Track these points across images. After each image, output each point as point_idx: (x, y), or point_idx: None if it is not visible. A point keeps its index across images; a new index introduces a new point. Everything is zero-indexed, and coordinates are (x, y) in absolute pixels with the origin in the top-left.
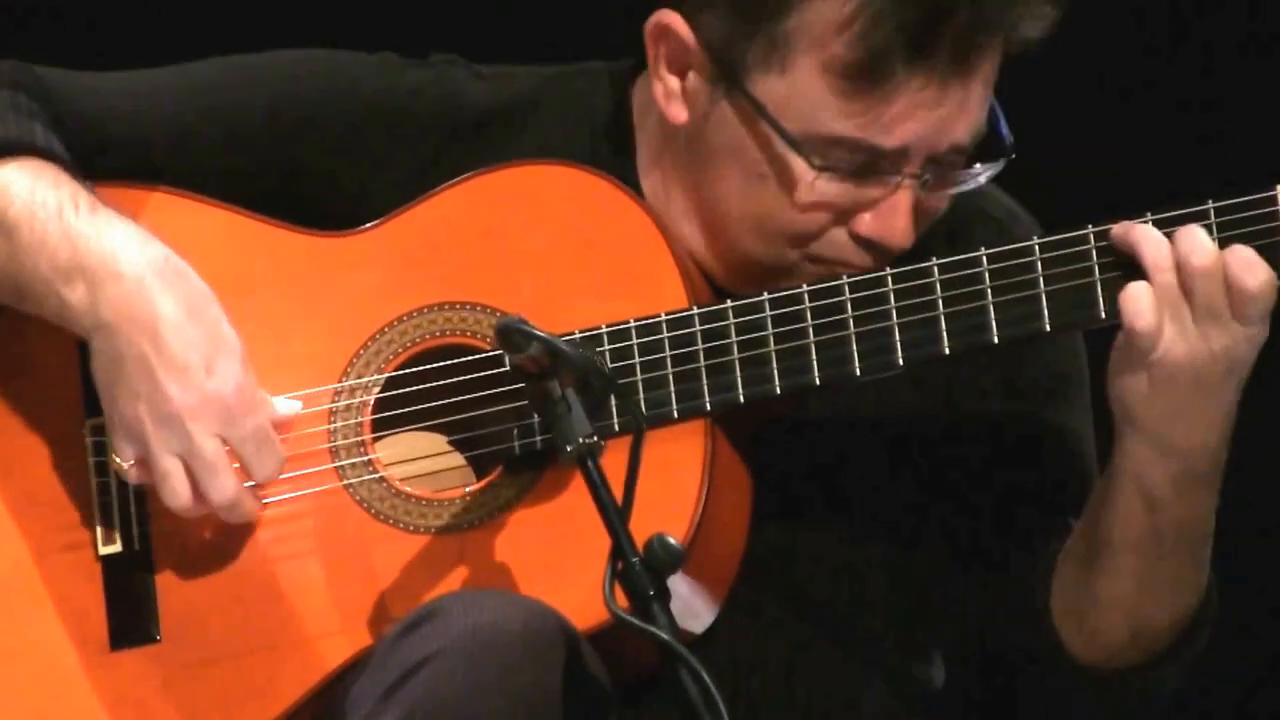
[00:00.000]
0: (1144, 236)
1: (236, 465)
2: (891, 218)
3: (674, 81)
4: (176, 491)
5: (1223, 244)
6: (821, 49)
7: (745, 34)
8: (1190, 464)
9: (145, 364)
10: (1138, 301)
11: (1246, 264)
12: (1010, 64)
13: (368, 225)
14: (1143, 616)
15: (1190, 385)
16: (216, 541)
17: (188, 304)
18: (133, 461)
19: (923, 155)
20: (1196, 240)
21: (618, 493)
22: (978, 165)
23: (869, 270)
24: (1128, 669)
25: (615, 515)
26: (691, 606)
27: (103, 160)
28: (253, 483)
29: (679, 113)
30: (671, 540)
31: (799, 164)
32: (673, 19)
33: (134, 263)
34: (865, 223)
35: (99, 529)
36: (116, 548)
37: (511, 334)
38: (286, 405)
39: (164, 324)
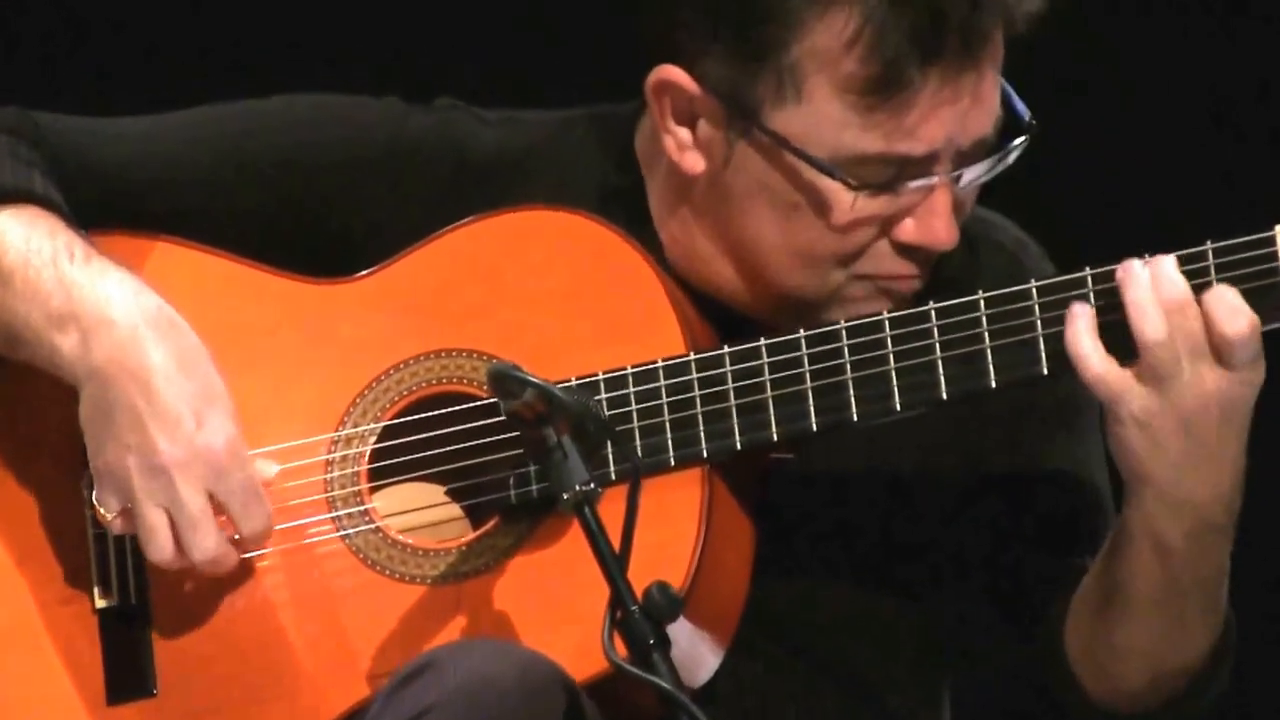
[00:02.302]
0: (1129, 281)
1: (222, 518)
2: (932, 220)
3: (685, 134)
4: (160, 545)
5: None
6: (834, 70)
7: (751, 72)
8: (1202, 515)
9: (135, 414)
10: (1077, 348)
11: (1229, 309)
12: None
13: (365, 272)
14: (1162, 662)
15: (1182, 434)
16: (213, 593)
17: (180, 355)
18: (117, 513)
19: (951, 153)
20: (1165, 277)
21: (615, 540)
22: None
23: (913, 276)
24: (1150, 713)
25: (613, 563)
26: (693, 655)
27: (103, 208)
28: (238, 537)
29: (695, 163)
30: (671, 588)
31: (833, 187)
32: (672, 73)
33: (128, 312)
34: (908, 230)
35: (96, 582)
36: (113, 601)
37: (504, 380)
38: (265, 467)
39: (155, 374)
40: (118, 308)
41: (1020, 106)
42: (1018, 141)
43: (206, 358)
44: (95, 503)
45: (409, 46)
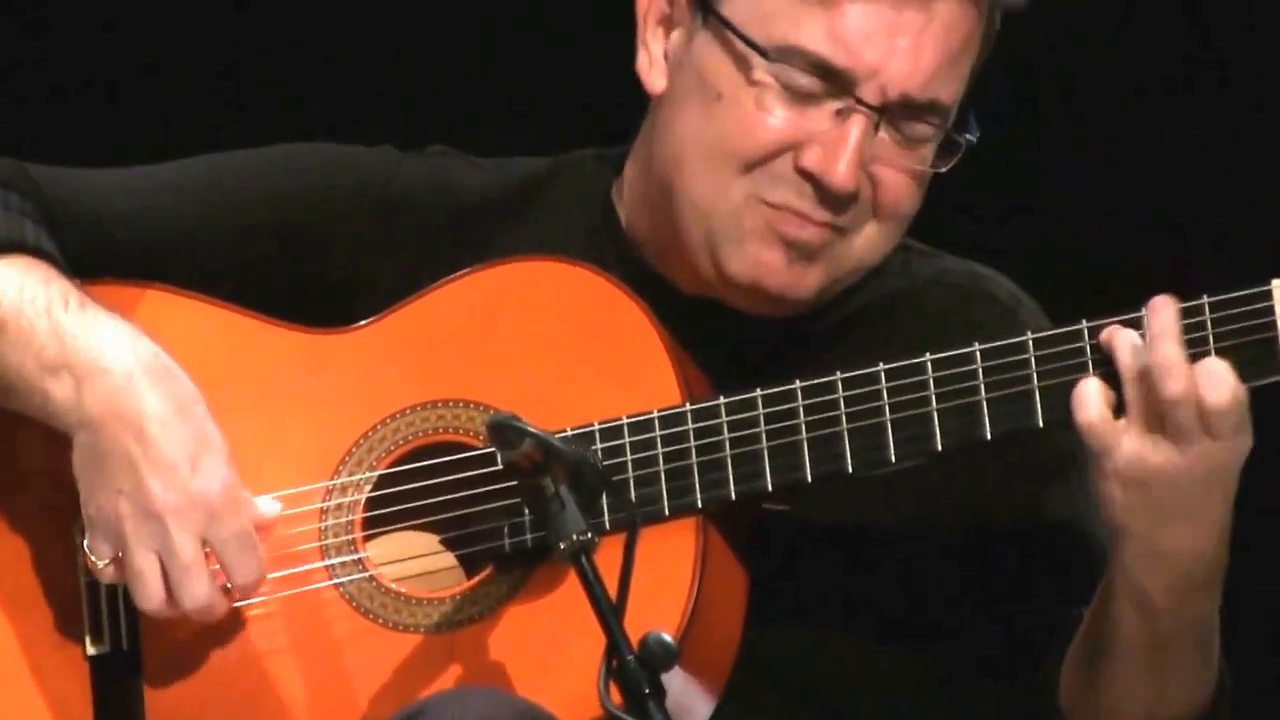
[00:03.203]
0: (1120, 343)
1: (216, 567)
2: (837, 150)
3: (658, 48)
4: (150, 593)
5: (1216, 339)
6: None
7: None
8: (1185, 572)
9: (129, 460)
10: (1084, 397)
11: (1213, 380)
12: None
13: (362, 322)
14: (1151, 716)
15: (1168, 493)
16: (205, 641)
17: (175, 402)
18: (108, 560)
19: (873, 89)
20: (1169, 362)
21: (610, 589)
22: (930, 130)
23: (804, 217)
24: None
25: (610, 612)
26: (685, 704)
27: (96, 258)
28: (229, 585)
29: (658, 81)
30: (667, 637)
31: (753, 73)
32: None
33: (122, 358)
34: (811, 154)
35: (87, 629)
36: (105, 648)
37: (504, 431)
38: (268, 505)
39: (150, 421)
40: (111, 355)
41: (971, 122)
42: (954, 139)
43: (202, 404)
44: (86, 550)
45: (403, 92)
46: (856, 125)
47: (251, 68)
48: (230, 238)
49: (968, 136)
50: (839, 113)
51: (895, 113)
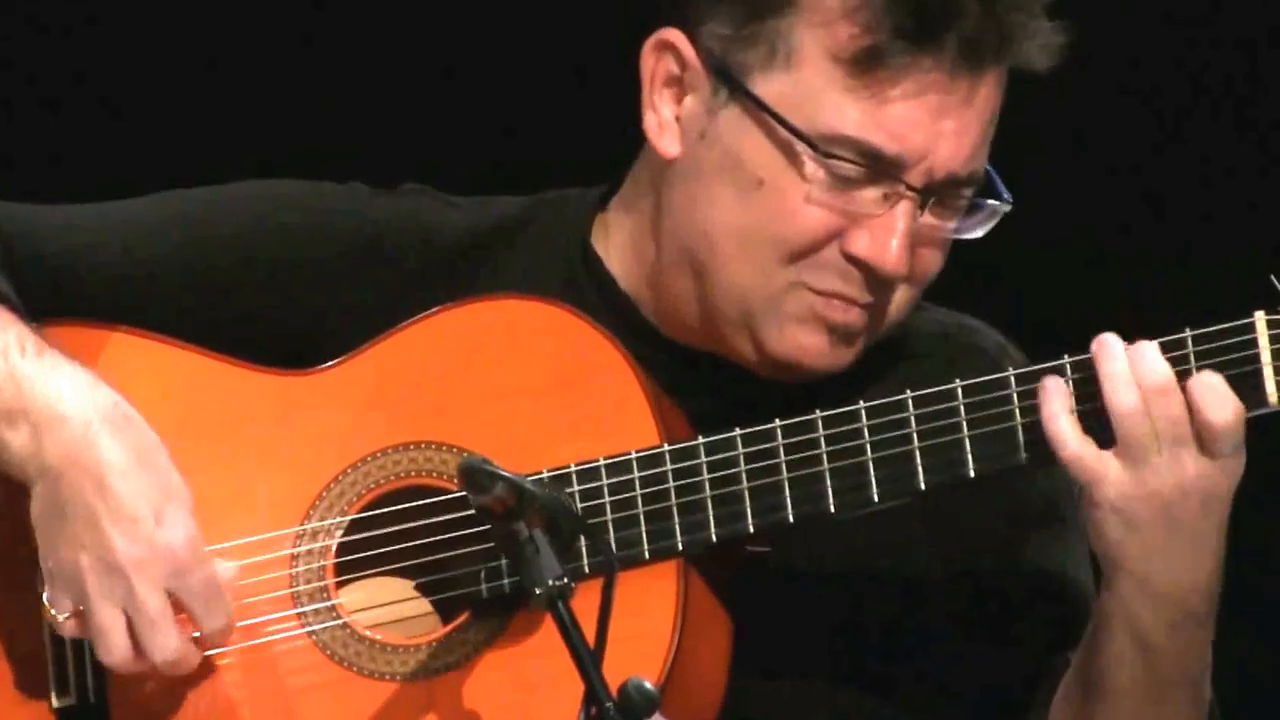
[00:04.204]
0: (1102, 350)
1: (180, 615)
2: (885, 237)
3: (668, 111)
4: (114, 646)
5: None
6: (828, 34)
7: (747, 35)
8: (1180, 604)
9: (90, 512)
10: (1054, 425)
11: (1216, 396)
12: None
13: (332, 363)
14: None
15: (1162, 520)
16: (174, 691)
17: (136, 451)
18: (68, 614)
19: (921, 172)
20: (1146, 359)
21: (589, 635)
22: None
23: (852, 302)
24: None
25: (588, 659)
26: None
27: (56, 297)
28: (198, 635)
29: (671, 145)
30: (647, 684)
31: (799, 161)
32: (674, 35)
33: (80, 407)
34: (860, 241)
35: (53, 681)
36: (71, 700)
37: (476, 474)
38: (224, 568)
39: (111, 471)
40: (70, 403)
41: (999, 185)
42: (991, 203)
43: (164, 453)
44: (46, 603)
45: (376, 130)
46: (904, 210)
47: (220, 100)
48: (195, 275)
49: (1007, 199)
50: (885, 197)
51: (938, 191)
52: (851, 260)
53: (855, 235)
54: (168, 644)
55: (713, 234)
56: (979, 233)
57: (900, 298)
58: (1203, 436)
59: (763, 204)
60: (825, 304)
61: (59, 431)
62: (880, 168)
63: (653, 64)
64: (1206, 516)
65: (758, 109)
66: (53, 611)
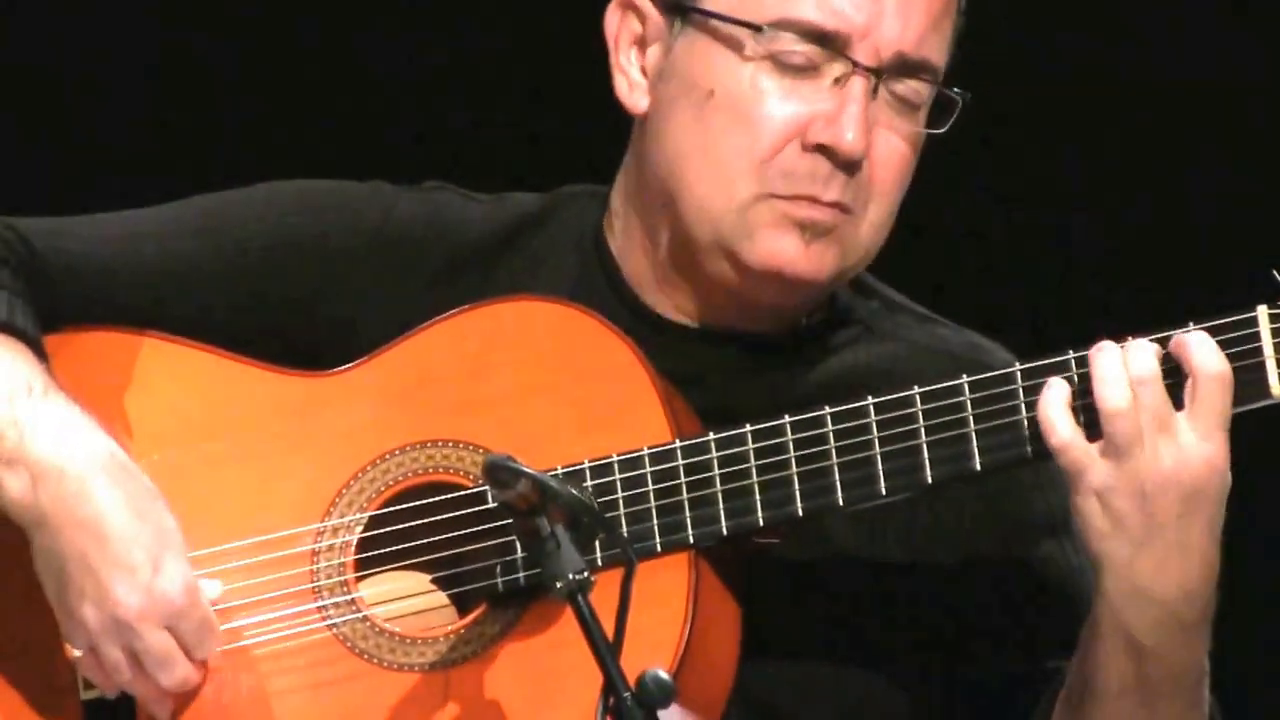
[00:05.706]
0: (1099, 351)
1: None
2: (842, 115)
3: (635, 71)
4: (127, 682)
5: None
6: None
7: None
8: (1171, 611)
9: (88, 566)
10: (1047, 412)
11: (1203, 346)
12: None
13: (352, 364)
14: None
15: (1140, 513)
16: (199, 684)
17: (133, 501)
18: (81, 652)
19: (868, 50)
20: (1136, 351)
21: (606, 627)
22: (925, 89)
23: (817, 199)
24: None
25: (607, 651)
26: None
27: (89, 306)
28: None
29: (640, 100)
30: (665, 675)
31: (746, 58)
32: None
33: (76, 460)
34: (816, 128)
35: (81, 677)
36: (98, 692)
37: (500, 471)
38: (209, 587)
39: (107, 523)
40: (67, 455)
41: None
42: (947, 92)
43: (159, 500)
44: (65, 639)
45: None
46: (856, 87)
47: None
48: (223, 278)
49: (960, 91)
50: (836, 81)
51: (891, 73)
52: (815, 150)
53: (812, 125)
54: (178, 675)
55: (676, 161)
56: (942, 129)
57: (872, 214)
58: (1193, 389)
59: (715, 113)
60: (792, 204)
61: (56, 485)
62: (825, 46)
63: (616, 26)
64: (1188, 515)
65: (706, 19)
66: (68, 646)
